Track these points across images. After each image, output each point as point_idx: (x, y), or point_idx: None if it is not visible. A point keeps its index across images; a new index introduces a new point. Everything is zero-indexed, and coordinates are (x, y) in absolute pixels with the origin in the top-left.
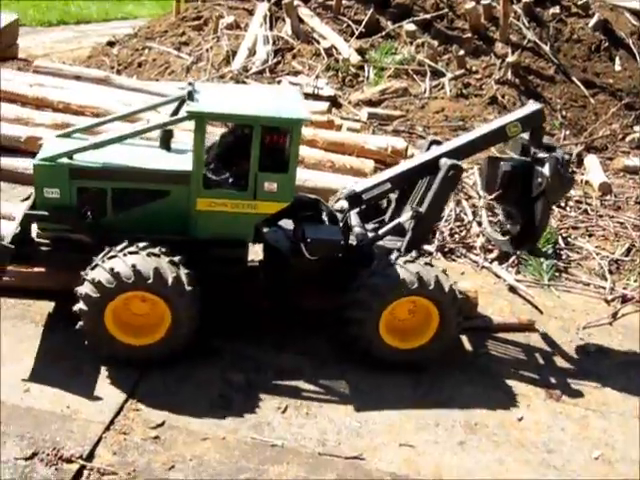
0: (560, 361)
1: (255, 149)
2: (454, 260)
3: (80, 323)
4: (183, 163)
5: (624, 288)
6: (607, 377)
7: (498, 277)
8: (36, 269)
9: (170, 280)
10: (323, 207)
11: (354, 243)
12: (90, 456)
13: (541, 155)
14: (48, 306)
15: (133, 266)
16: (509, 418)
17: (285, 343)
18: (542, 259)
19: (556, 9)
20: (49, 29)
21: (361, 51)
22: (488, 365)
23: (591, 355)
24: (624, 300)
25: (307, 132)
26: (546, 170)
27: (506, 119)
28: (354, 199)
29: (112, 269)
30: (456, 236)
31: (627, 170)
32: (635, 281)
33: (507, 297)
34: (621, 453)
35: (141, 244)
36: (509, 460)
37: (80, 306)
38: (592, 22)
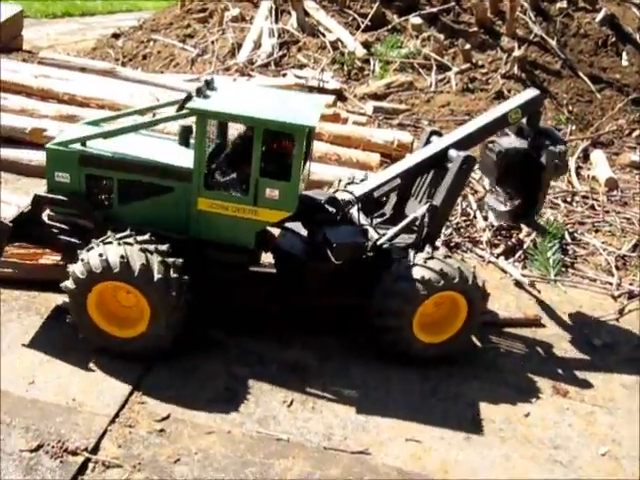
0: (567, 357)
1: (256, 153)
2: (460, 255)
3: (69, 317)
4: (191, 160)
5: (631, 284)
6: (614, 373)
7: (504, 272)
8: (41, 261)
9: (137, 268)
10: (334, 205)
11: (371, 243)
12: (95, 449)
13: (539, 143)
14: (53, 298)
15: (100, 255)
16: (515, 414)
17: (291, 337)
18: (548, 254)
19: (563, 3)
20: (54, 21)
21: (367, 44)
22: (495, 360)
23: (598, 351)
24: (631, 296)
25: None
26: (543, 160)
27: (507, 106)
28: (366, 198)
29: (84, 260)
30: (462, 230)
31: (634, 165)
32: None
33: (513, 292)
34: (628, 450)
35: (119, 234)
36: (515, 456)
37: (64, 299)
38: (599, 17)
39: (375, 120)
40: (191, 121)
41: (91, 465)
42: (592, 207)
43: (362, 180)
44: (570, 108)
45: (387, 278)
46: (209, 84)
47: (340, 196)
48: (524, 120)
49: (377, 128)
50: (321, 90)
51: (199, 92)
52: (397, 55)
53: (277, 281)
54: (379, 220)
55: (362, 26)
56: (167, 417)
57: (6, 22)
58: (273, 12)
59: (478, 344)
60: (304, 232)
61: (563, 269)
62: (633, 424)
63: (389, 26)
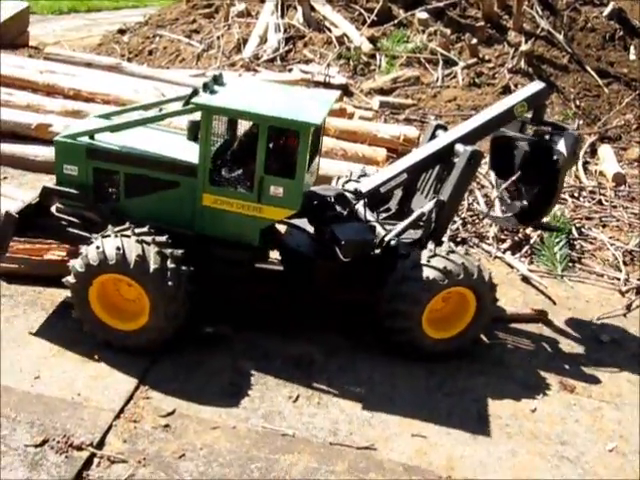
0: (574, 352)
1: (261, 150)
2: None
3: (73, 311)
4: (196, 156)
5: (638, 279)
6: (621, 368)
7: (511, 267)
8: (47, 257)
9: (133, 259)
10: (340, 201)
11: (378, 238)
12: (100, 444)
13: (550, 133)
14: (58, 293)
15: (98, 248)
16: (522, 409)
17: (296, 332)
18: (555, 249)
19: None
20: (60, 17)
21: (373, 39)
22: (501, 356)
23: (605, 346)
24: (638, 291)
25: None
26: (561, 147)
27: (513, 99)
28: (373, 195)
29: (84, 254)
30: (469, 226)
31: None
32: None
33: (520, 287)
34: (635, 445)
35: (118, 227)
36: (522, 452)
37: (67, 294)
38: (607, 11)
39: (381, 115)
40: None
41: (96, 460)
42: (599, 202)
43: (360, 177)
44: (577, 103)
45: (392, 280)
46: (217, 79)
47: (346, 192)
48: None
49: (383, 123)
50: (327, 85)
51: (206, 87)
52: (403, 50)
53: (284, 278)
54: (385, 215)
55: (368, 21)
56: (172, 412)
57: (12, 19)
58: (279, 7)
59: (485, 340)
60: (311, 229)
61: (570, 264)
62: None
63: (395, 21)
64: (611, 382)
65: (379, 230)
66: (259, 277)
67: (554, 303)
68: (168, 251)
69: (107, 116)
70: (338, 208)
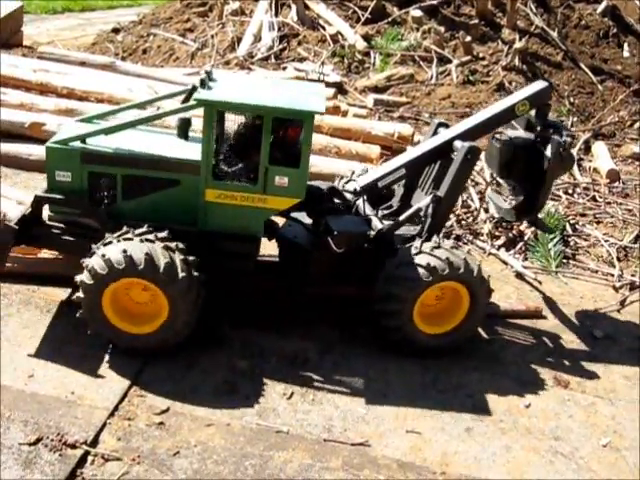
0: (568, 348)
1: (266, 141)
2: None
3: (80, 311)
4: (195, 152)
5: (632, 275)
6: (615, 364)
7: (505, 264)
8: (41, 255)
9: (162, 266)
10: (337, 194)
11: (374, 232)
12: (94, 442)
13: (545, 135)
14: (52, 292)
15: (124, 252)
16: (516, 405)
17: (290, 329)
18: (550, 245)
19: None
20: (54, 17)
21: (367, 37)
22: (495, 352)
23: (599, 342)
24: (632, 287)
25: None
26: (548, 152)
27: (515, 98)
28: (370, 188)
29: (104, 256)
30: (463, 222)
31: (635, 157)
32: None
33: (514, 284)
34: (629, 440)
35: (138, 230)
36: (516, 447)
37: (78, 294)
38: (600, 8)
39: (375, 113)
40: (192, 113)
41: (90, 458)
42: (593, 199)
43: (360, 175)
44: (571, 100)
45: (380, 279)
46: (210, 75)
47: (346, 191)
48: (532, 113)
49: (377, 121)
50: (321, 83)
51: (203, 84)
52: (397, 48)
53: (281, 270)
54: (386, 212)
55: (362, 19)
56: (166, 410)
57: (6, 18)
58: (273, 5)
59: (479, 335)
60: (309, 221)
61: (564, 261)
62: (634, 415)
63: (389, 19)
64: (605, 377)
65: (376, 223)
66: (259, 270)
67: (548, 299)
68: (190, 258)
69: (90, 120)
70: (335, 201)
